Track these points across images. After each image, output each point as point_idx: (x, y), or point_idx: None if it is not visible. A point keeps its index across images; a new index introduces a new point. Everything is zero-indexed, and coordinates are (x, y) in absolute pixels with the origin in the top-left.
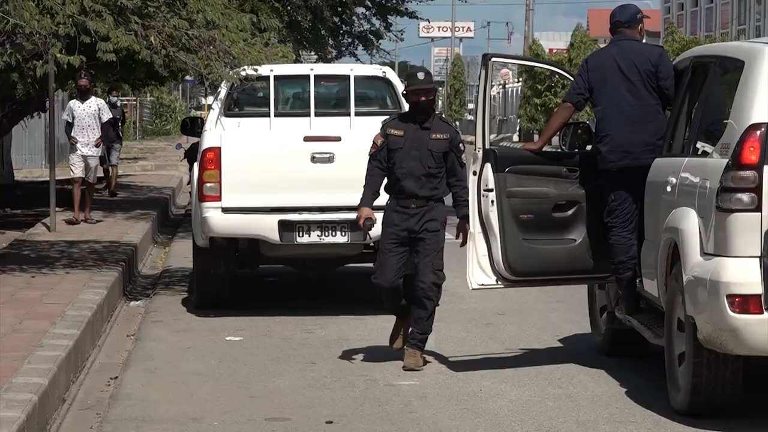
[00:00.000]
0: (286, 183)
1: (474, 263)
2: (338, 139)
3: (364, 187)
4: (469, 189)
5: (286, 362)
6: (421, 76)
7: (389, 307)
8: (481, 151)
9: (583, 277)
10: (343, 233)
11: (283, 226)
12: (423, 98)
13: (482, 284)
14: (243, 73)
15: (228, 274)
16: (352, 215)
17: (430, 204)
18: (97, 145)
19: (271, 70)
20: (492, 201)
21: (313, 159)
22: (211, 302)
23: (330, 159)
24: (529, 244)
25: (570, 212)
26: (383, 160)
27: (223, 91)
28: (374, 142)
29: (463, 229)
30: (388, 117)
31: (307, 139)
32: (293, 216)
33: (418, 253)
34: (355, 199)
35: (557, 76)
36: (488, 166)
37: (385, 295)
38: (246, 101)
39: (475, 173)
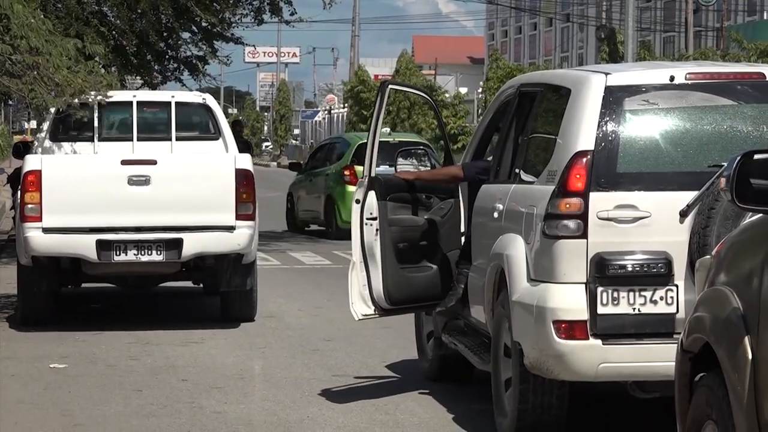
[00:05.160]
0: (104, 204)
1: (356, 294)
2: (154, 162)
3: None
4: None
5: (111, 389)
6: None
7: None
8: (367, 179)
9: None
10: (159, 252)
11: (101, 245)
12: None
13: (366, 315)
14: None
15: (51, 291)
16: (168, 235)
17: None
18: None
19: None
20: (376, 230)
21: (130, 181)
22: (35, 320)
23: (146, 181)
24: (404, 272)
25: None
26: None
27: (49, 116)
28: None
29: None
30: None
31: (124, 162)
32: (110, 236)
33: None
34: (170, 219)
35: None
36: (372, 194)
37: None
38: (72, 126)
39: (358, 201)
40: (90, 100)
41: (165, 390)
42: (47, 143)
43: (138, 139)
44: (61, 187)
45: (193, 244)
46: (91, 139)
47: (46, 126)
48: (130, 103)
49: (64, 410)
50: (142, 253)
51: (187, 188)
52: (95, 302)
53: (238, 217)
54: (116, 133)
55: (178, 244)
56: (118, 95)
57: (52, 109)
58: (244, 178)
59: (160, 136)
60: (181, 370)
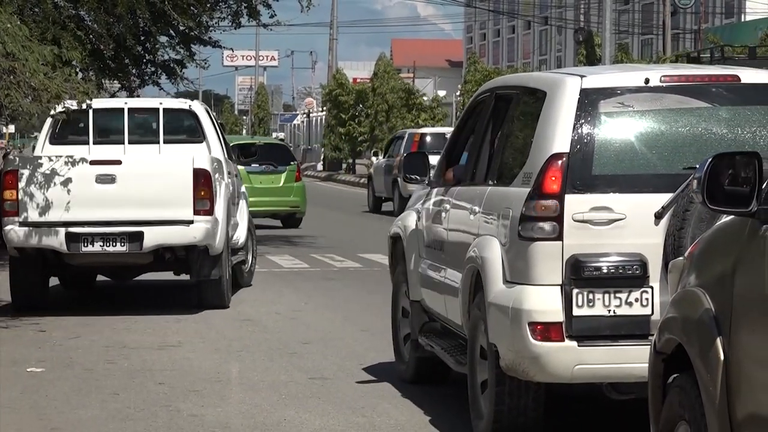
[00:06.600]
0: (73, 201)
1: None
2: (119, 162)
3: None
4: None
5: (88, 393)
6: None
7: None
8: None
9: None
10: (122, 244)
11: (70, 237)
12: None
13: None
14: (60, 108)
15: (39, 278)
16: (130, 228)
17: None
18: None
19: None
20: None
21: (98, 180)
22: (26, 305)
23: (112, 180)
24: None
25: None
26: None
27: (48, 121)
28: None
29: None
30: None
31: (92, 162)
32: (78, 229)
33: None
34: (133, 214)
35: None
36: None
37: None
38: (70, 130)
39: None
40: (66, 106)
41: (142, 393)
42: (47, 146)
43: (129, 143)
44: (35, 185)
45: (154, 237)
46: (87, 143)
47: (45, 130)
48: (122, 109)
49: (41, 414)
50: (108, 244)
51: (148, 185)
52: (73, 306)
53: (196, 212)
54: (109, 137)
55: (139, 236)
56: (111, 102)
57: (50, 118)
58: (202, 177)
59: (149, 139)
60: (158, 374)
